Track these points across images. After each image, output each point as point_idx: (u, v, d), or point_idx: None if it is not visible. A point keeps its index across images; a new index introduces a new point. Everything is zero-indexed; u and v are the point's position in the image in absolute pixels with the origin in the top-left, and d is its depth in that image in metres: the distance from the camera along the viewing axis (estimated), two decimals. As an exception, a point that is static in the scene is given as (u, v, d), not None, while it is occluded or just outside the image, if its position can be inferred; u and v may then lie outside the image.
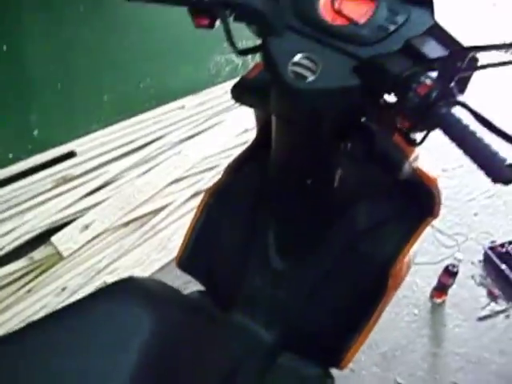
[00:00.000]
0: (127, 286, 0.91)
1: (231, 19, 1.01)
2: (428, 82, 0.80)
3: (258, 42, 1.01)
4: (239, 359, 1.21)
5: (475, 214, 2.92)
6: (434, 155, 3.06)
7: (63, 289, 2.15)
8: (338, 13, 0.93)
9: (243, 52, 1.08)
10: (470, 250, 2.68)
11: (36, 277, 2.17)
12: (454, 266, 2.33)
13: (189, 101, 2.89)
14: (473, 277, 2.54)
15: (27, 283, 2.14)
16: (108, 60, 2.44)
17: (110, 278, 2.19)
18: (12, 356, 0.76)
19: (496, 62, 0.77)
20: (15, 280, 2.13)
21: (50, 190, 2.32)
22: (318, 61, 0.89)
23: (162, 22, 2.26)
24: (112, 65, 2.47)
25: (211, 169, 2.69)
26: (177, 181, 2.57)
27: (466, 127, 0.77)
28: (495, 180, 0.74)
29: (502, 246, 2.64)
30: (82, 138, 2.50)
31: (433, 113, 0.79)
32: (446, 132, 0.78)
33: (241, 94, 1.16)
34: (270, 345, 1.26)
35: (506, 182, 0.73)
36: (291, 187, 1.17)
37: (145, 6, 1.12)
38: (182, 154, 2.66)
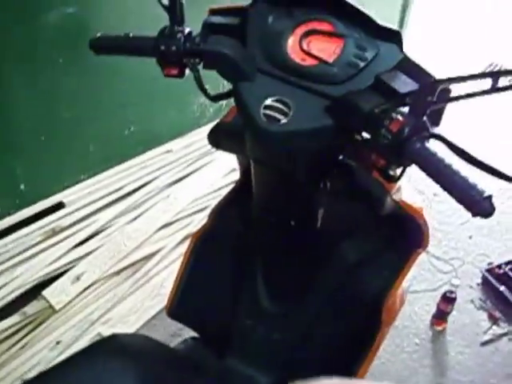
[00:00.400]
0: (110, 346, 0.89)
1: (201, 67, 1.01)
2: (400, 117, 0.79)
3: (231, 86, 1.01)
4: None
5: (470, 237, 2.91)
6: (424, 181, 3.03)
7: (57, 342, 2.12)
8: (307, 53, 0.93)
9: (216, 98, 1.08)
10: (468, 274, 2.66)
11: (29, 332, 2.13)
12: (451, 292, 2.30)
13: (175, 144, 2.89)
14: (472, 301, 2.51)
15: (20, 339, 2.11)
16: (91, 109, 2.44)
17: (105, 329, 2.16)
18: None
19: (468, 93, 0.76)
20: (8, 337, 2.09)
21: (39, 243, 2.29)
22: (289, 103, 0.89)
23: (142, 68, 2.26)
24: (96, 113, 2.47)
25: (201, 210, 2.67)
26: (167, 225, 2.55)
27: (441, 161, 0.76)
28: (475, 214, 0.73)
29: (500, 267, 2.62)
30: (69, 188, 2.48)
31: (407, 149, 0.78)
32: (422, 167, 0.77)
33: (218, 139, 1.16)
34: (267, 389, 1.23)
35: (485, 216, 0.72)
36: (275, 229, 1.16)
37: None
38: (170, 198, 2.64)
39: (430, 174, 0.77)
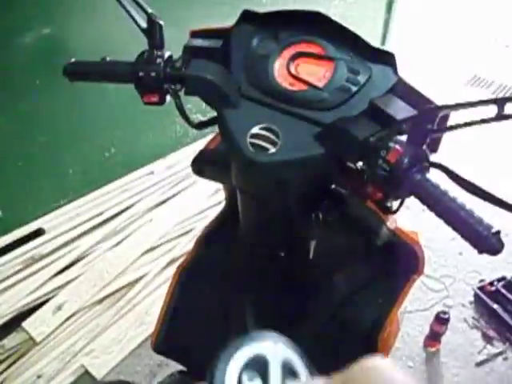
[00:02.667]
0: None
1: (182, 93, 0.95)
2: (397, 147, 0.74)
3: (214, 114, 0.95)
4: None
5: (460, 253, 2.86)
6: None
7: (39, 376, 2.03)
8: (295, 77, 0.87)
9: (199, 126, 1.02)
10: (460, 292, 2.61)
11: (9, 366, 2.05)
12: (444, 312, 2.25)
13: (157, 165, 2.82)
14: (465, 320, 2.46)
15: (0, 374, 2.02)
16: (70, 132, 2.37)
17: (87, 360, 2.08)
18: None
19: (472, 120, 0.70)
20: (-13, 372, 2.01)
21: (18, 271, 2.21)
22: (278, 131, 0.83)
23: (122, 89, 2.20)
24: (74, 137, 2.40)
25: (186, 233, 2.59)
26: (150, 250, 2.47)
27: (445, 194, 0.70)
28: (482, 251, 0.67)
29: (492, 284, 2.57)
30: (49, 214, 2.40)
31: (406, 181, 0.72)
32: (423, 200, 0.72)
33: (202, 167, 1.10)
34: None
35: (493, 253, 0.67)
36: (264, 260, 1.10)
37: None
38: (153, 222, 2.56)
39: (432, 207, 0.72)
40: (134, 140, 2.72)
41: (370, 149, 0.76)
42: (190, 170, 2.56)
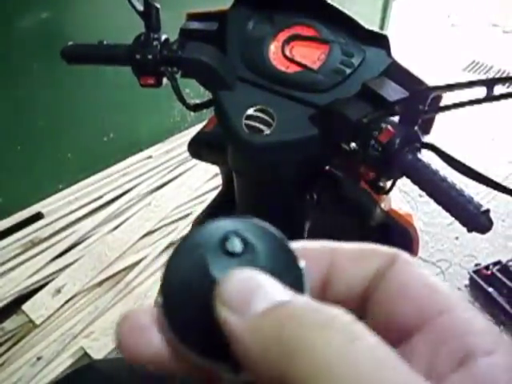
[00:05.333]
0: (86, 377, 0.83)
1: (178, 76, 0.96)
2: (390, 127, 0.75)
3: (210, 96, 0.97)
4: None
5: (456, 238, 2.88)
6: (409, 182, 2.98)
7: (39, 358, 2.05)
8: (290, 60, 0.88)
9: (195, 108, 1.03)
10: (455, 276, 2.63)
11: (9, 348, 2.06)
12: (440, 295, 2.27)
13: (156, 150, 2.83)
14: (461, 303, 2.47)
15: (0, 356, 2.04)
16: (68, 117, 2.38)
17: (87, 343, 2.10)
18: None
19: (462, 101, 0.71)
20: (-13, 354, 2.02)
21: (17, 255, 2.22)
22: (272, 112, 0.84)
23: (120, 73, 2.21)
24: (73, 121, 2.41)
25: (185, 217, 2.61)
26: (149, 233, 2.49)
27: (435, 173, 0.72)
28: (471, 229, 0.69)
29: (487, 268, 2.58)
30: (48, 198, 2.41)
31: (398, 161, 0.74)
32: (415, 180, 0.73)
33: (198, 149, 1.11)
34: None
35: (482, 231, 0.68)
36: None
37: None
38: (152, 205, 2.58)
39: (423, 187, 0.73)
40: (133, 125, 2.73)
41: (362, 130, 0.77)
42: (187, 154, 2.56)
